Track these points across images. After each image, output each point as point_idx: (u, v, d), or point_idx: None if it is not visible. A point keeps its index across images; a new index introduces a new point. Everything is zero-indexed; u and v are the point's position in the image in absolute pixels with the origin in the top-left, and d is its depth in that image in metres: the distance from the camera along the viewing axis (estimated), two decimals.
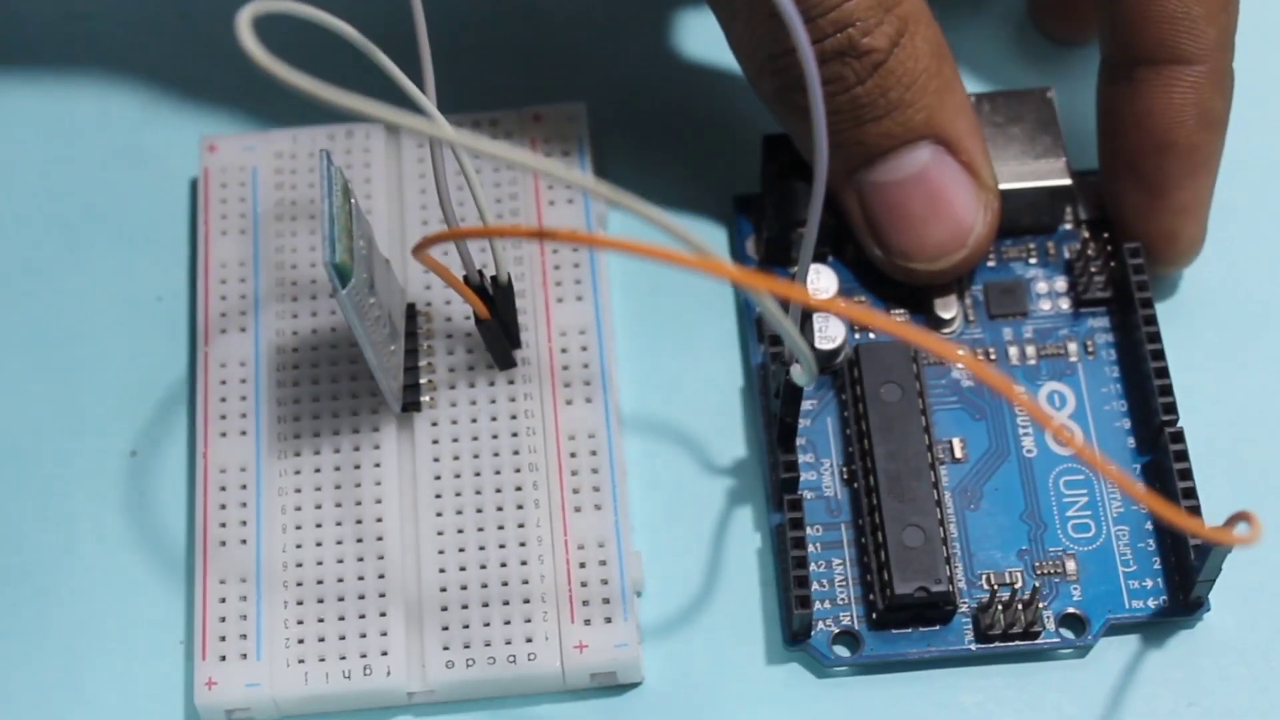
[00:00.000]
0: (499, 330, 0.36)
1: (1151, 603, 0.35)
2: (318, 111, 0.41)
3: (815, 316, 0.37)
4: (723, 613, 0.36)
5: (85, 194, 0.41)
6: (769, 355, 0.37)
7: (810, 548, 0.36)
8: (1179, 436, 0.35)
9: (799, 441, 0.37)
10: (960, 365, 0.37)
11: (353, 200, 0.33)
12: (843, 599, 0.36)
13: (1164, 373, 0.36)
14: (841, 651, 0.35)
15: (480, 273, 0.35)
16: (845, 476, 0.37)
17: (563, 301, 0.38)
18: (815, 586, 0.35)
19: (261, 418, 0.37)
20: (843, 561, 0.36)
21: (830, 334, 0.37)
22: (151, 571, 0.37)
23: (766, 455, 0.37)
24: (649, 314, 0.39)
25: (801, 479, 0.36)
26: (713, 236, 0.40)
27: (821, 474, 0.37)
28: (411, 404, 0.37)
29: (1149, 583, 0.36)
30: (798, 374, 0.33)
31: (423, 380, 0.37)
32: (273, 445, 0.36)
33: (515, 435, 0.36)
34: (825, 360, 0.37)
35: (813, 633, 0.35)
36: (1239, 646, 0.35)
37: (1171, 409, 0.36)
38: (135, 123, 0.42)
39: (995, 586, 0.35)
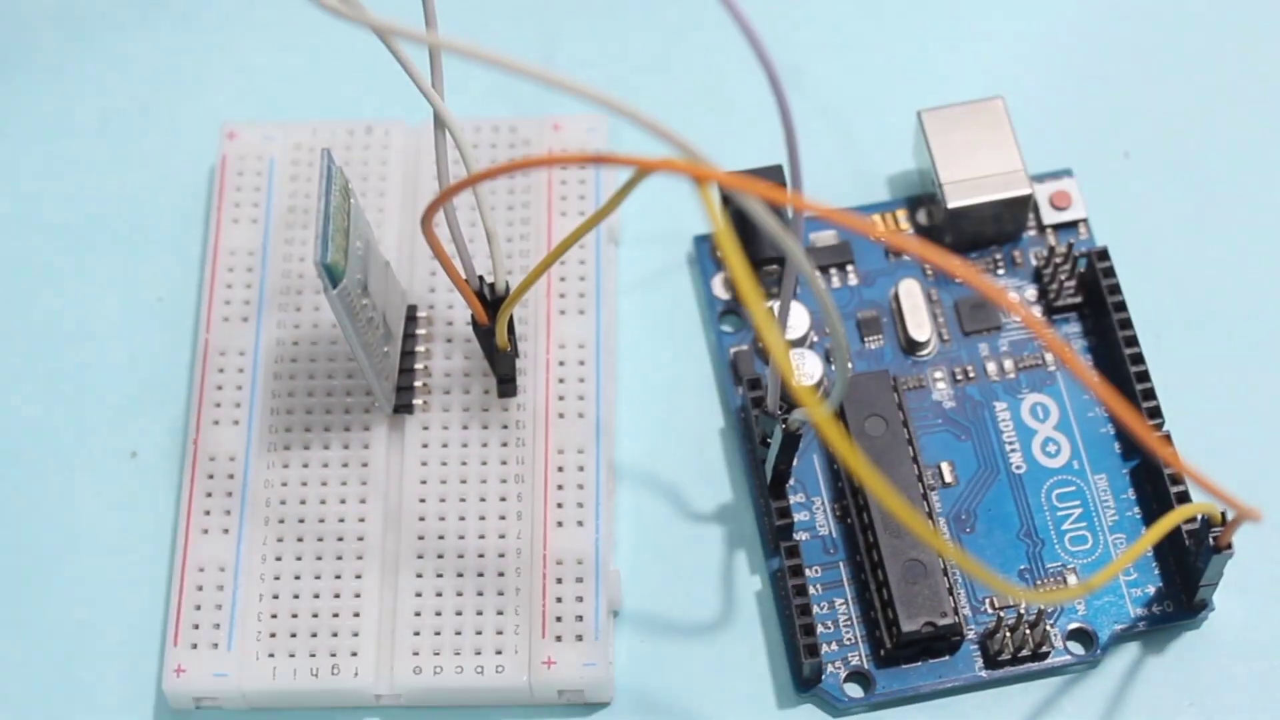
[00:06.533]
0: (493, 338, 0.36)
1: (1156, 609, 0.35)
2: (337, 107, 0.41)
3: (792, 354, 0.37)
4: (724, 652, 0.36)
5: (87, 195, 0.41)
6: (749, 400, 0.36)
7: (811, 590, 0.35)
8: (1166, 440, 0.35)
9: (788, 482, 0.36)
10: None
11: (352, 200, 0.33)
12: (849, 638, 0.35)
13: (1145, 376, 0.36)
14: (854, 692, 0.35)
15: (481, 279, 0.35)
16: (838, 514, 0.36)
17: (565, 314, 0.38)
18: (820, 629, 0.35)
19: (255, 409, 0.37)
20: (845, 600, 0.35)
21: (808, 370, 0.37)
22: (149, 568, 0.37)
23: (757, 499, 0.37)
24: (651, 327, 0.39)
25: (795, 520, 0.36)
26: (678, 275, 0.40)
27: (814, 513, 0.36)
28: (404, 406, 0.37)
29: (1151, 589, 0.35)
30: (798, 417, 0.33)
31: (417, 383, 0.37)
32: (263, 437, 0.36)
33: (505, 445, 0.36)
34: None
35: (824, 676, 0.35)
36: (1246, 645, 0.35)
37: (1157, 413, 0.36)
38: (136, 125, 0.41)
39: (999, 610, 0.35)
